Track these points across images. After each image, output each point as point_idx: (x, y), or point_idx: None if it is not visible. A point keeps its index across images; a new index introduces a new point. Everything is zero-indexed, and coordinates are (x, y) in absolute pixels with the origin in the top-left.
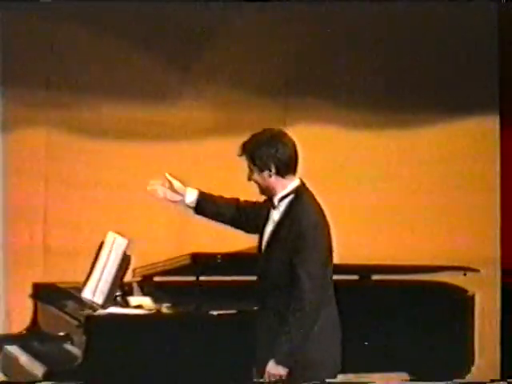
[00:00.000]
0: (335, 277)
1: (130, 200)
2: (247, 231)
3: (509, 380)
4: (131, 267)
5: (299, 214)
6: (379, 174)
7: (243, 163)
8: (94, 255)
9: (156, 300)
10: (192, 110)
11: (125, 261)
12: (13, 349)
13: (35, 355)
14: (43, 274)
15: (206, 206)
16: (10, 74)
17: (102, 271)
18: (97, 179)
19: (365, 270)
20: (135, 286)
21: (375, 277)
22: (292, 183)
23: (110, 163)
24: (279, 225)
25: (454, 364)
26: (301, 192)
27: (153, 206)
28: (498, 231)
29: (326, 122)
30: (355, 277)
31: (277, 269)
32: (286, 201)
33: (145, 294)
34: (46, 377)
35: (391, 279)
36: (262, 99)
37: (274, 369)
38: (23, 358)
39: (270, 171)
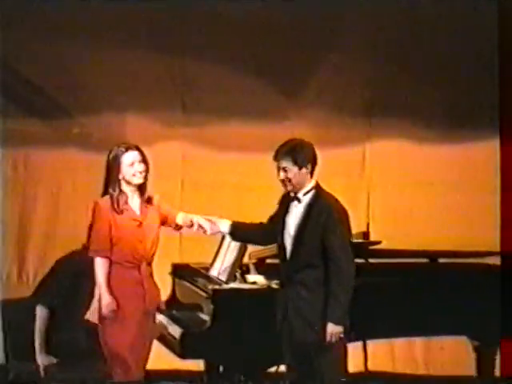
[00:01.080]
0: (411, 259)
1: (248, 198)
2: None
3: (509, 380)
4: (248, 251)
5: (326, 202)
6: (446, 179)
7: (331, 169)
8: (219, 242)
9: (268, 278)
10: (294, 128)
11: (243, 246)
12: (156, 315)
13: (173, 320)
14: (179, 256)
15: (237, 233)
16: (150, 100)
17: (226, 254)
18: (222, 182)
19: (433, 255)
20: (251, 266)
21: (441, 260)
22: (312, 182)
23: (232, 170)
24: (307, 214)
25: (502, 328)
26: (319, 188)
27: (265, 203)
28: None
29: (402, 137)
30: (425, 260)
31: (309, 250)
32: (309, 195)
33: (259, 272)
34: (181, 337)
35: (455, 262)
36: (352, 119)
37: (334, 328)
38: (164, 322)
39: (307, 169)
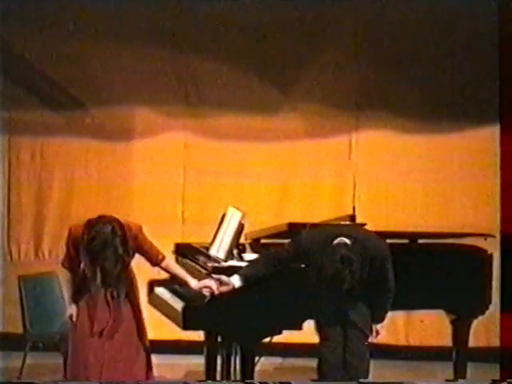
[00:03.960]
0: (392, 240)
1: (244, 183)
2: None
3: (508, 380)
4: (244, 232)
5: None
6: (425, 167)
7: (320, 157)
8: (218, 223)
9: None
10: (287, 119)
11: (240, 227)
12: (161, 289)
13: (176, 294)
14: (182, 236)
15: (249, 280)
16: (156, 93)
17: (224, 235)
18: (220, 168)
19: (413, 236)
20: (247, 245)
21: (421, 241)
22: None
23: (229, 157)
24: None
25: (477, 303)
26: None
27: (260, 189)
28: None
29: (387, 128)
30: (406, 240)
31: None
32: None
33: (254, 251)
34: (183, 310)
35: (433, 242)
36: (341, 111)
37: (378, 327)
38: (168, 296)
39: None
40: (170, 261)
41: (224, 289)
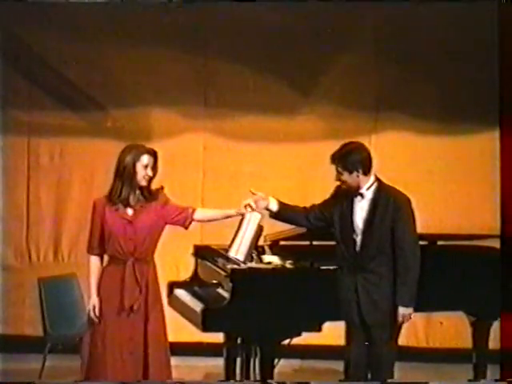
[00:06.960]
0: None
1: (263, 185)
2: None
3: (508, 380)
4: (263, 234)
5: (390, 193)
6: (444, 169)
7: None
8: (237, 225)
9: (281, 258)
10: (306, 121)
11: (259, 229)
12: (180, 291)
13: (196, 296)
14: (201, 238)
15: (282, 213)
16: (175, 95)
17: (243, 236)
18: (240, 171)
19: (432, 238)
20: (266, 247)
21: (440, 242)
22: (371, 177)
23: (248, 159)
24: (373, 209)
25: (496, 304)
26: (380, 181)
27: (279, 191)
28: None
29: (406, 130)
30: (425, 242)
31: (379, 242)
32: (371, 190)
33: (273, 253)
34: (203, 312)
35: (452, 244)
36: (360, 113)
37: (405, 311)
38: (187, 298)
39: (358, 172)
40: (199, 209)
41: (261, 203)
